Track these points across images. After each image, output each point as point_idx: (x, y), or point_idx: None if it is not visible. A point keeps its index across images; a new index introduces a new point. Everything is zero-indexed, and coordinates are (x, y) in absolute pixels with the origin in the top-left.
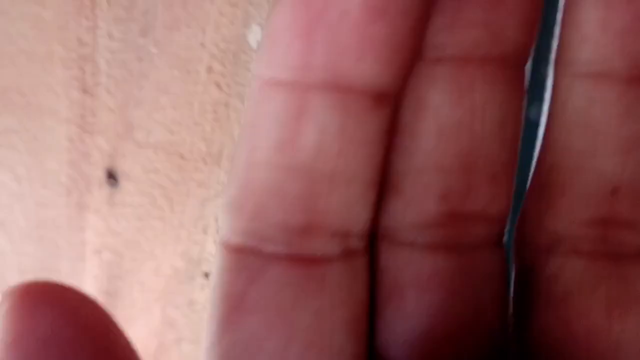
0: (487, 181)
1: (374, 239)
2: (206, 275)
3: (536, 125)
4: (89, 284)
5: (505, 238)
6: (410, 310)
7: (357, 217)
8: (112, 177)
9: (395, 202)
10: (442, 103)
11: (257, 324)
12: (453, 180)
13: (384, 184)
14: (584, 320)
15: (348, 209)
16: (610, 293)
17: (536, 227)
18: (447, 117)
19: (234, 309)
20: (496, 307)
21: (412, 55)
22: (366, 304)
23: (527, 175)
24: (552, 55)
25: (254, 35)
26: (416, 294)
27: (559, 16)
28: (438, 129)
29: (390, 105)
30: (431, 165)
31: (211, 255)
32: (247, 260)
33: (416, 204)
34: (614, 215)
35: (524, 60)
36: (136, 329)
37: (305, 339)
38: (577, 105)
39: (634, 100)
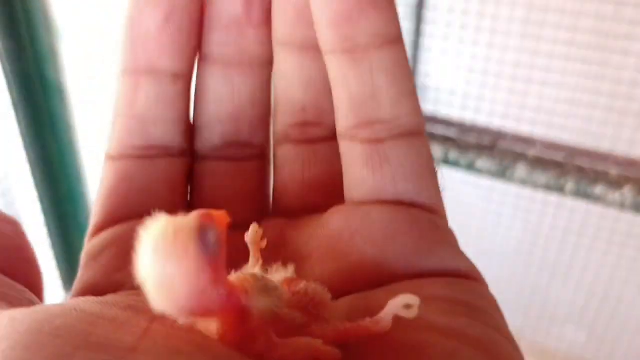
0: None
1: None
2: None
3: None
4: None
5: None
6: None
7: (172, 139)
8: None
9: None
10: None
11: None
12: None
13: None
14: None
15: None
16: (304, 159)
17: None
18: None
19: None
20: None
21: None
22: (184, 182)
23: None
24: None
25: None
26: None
27: None
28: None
29: (185, 82)
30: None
31: None
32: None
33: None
34: (306, 120)
35: None
36: None
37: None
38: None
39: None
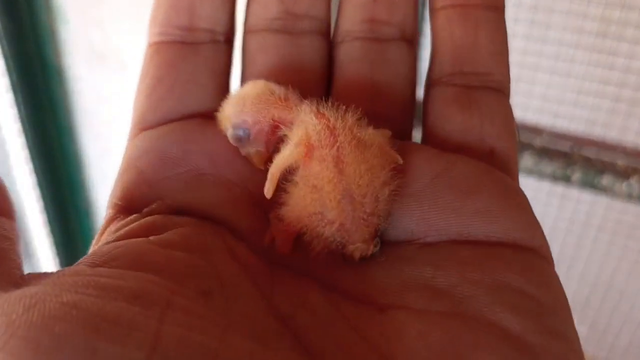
0: None
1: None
2: None
3: None
4: None
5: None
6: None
7: (220, 20)
8: None
9: (249, 7)
10: None
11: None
12: None
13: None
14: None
15: (214, 14)
16: (370, 56)
17: (340, 24)
18: None
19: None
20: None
21: None
22: (227, 71)
23: None
24: None
25: None
26: (261, 56)
27: None
28: None
29: None
30: None
31: None
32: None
33: (264, 7)
34: (375, 16)
35: None
36: None
37: (184, 82)
38: None
39: None
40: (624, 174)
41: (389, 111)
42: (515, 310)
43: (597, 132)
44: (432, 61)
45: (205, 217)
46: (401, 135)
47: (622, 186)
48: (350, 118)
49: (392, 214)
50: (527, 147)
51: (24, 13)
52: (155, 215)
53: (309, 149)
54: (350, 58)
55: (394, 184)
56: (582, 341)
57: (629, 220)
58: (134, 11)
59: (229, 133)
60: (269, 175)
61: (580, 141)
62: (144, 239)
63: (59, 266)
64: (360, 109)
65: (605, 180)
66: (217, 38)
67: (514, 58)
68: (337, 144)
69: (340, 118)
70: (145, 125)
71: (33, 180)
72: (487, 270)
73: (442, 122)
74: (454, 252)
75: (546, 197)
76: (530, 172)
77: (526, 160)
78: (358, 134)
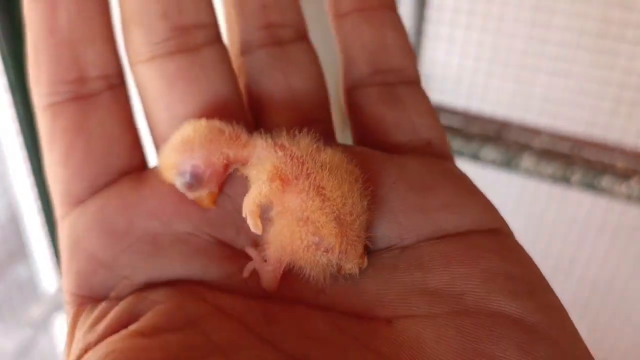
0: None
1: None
2: None
3: None
4: None
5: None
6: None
7: (108, 62)
8: None
9: (130, 36)
10: None
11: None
12: (169, 3)
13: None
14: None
15: (101, 58)
16: (279, 62)
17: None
18: None
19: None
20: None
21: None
22: (132, 115)
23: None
24: None
25: None
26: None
27: None
28: None
29: None
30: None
31: None
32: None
33: (148, 29)
34: (270, 20)
35: None
36: None
37: (98, 141)
38: None
39: None
40: (624, 176)
41: (312, 114)
42: (510, 295)
43: (597, 133)
44: (347, 66)
45: (175, 281)
46: (328, 136)
47: (622, 187)
48: (307, 142)
49: (371, 224)
50: (526, 148)
51: (22, 13)
52: (127, 298)
53: (285, 183)
54: (260, 68)
55: (368, 195)
56: None
57: (629, 222)
58: None
59: (179, 182)
60: (249, 214)
61: (580, 142)
62: (129, 334)
63: (57, 267)
64: (311, 130)
65: (605, 181)
66: (112, 82)
67: (514, 59)
68: (309, 171)
69: (299, 145)
70: (73, 199)
71: (30, 181)
72: (470, 261)
73: (375, 121)
74: (434, 250)
75: (546, 198)
76: (530, 173)
77: (525, 161)
78: (322, 157)
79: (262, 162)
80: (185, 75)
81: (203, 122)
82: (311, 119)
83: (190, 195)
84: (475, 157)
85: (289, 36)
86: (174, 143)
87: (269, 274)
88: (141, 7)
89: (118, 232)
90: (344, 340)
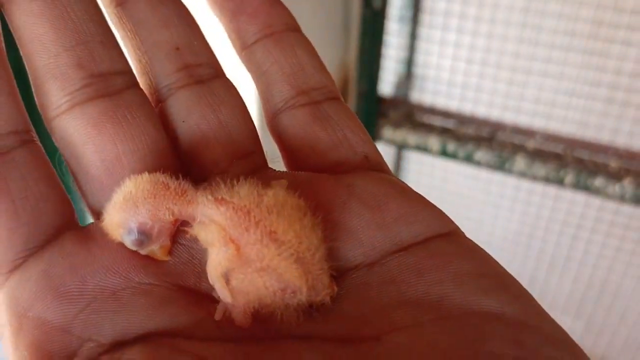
0: (103, 49)
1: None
2: None
3: None
4: None
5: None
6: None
7: (17, 118)
8: None
9: (45, 90)
10: None
11: None
12: (82, 54)
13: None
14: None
15: (10, 114)
16: (194, 97)
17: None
18: None
19: None
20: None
21: None
22: (49, 167)
23: None
24: None
25: None
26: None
27: None
28: None
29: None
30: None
31: None
32: None
33: (64, 80)
34: (186, 62)
35: None
36: None
37: (24, 200)
38: None
39: None
40: (617, 176)
41: (244, 147)
42: (485, 293)
43: (590, 134)
44: (267, 93)
45: (145, 335)
46: (262, 166)
47: (615, 188)
48: (248, 189)
49: (331, 249)
50: (519, 149)
51: None
52: None
53: (236, 244)
54: (186, 107)
55: (320, 224)
56: (578, 339)
57: (622, 221)
58: None
59: (127, 240)
60: (218, 287)
61: (572, 143)
62: None
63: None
64: (247, 176)
65: (598, 181)
66: (24, 138)
67: (506, 61)
68: (257, 219)
69: (239, 195)
70: (7, 267)
71: None
72: (439, 268)
73: (309, 143)
74: (401, 262)
75: (539, 198)
76: (524, 174)
77: (519, 162)
78: (266, 201)
79: (208, 221)
80: (112, 116)
81: (145, 176)
82: (244, 151)
83: (142, 251)
84: (469, 159)
85: (208, 74)
86: (116, 201)
87: (239, 310)
88: (53, 61)
89: (71, 293)
90: None
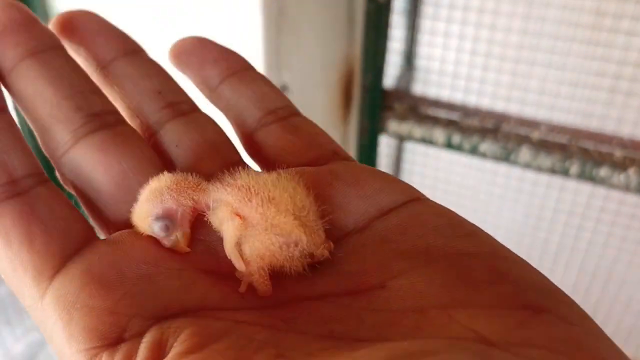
0: (94, 95)
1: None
2: None
3: None
4: None
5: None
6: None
7: (31, 164)
8: None
9: (50, 134)
10: None
11: None
12: (79, 100)
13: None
14: None
15: (24, 161)
16: (181, 125)
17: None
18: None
19: None
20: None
21: None
22: (67, 199)
23: None
24: None
25: None
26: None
27: None
28: None
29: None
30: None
31: None
32: None
33: (66, 122)
34: (168, 100)
35: None
36: None
37: (53, 226)
38: None
39: None
40: (622, 165)
41: (231, 158)
42: (459, 238)
43: (594, 124)
44: (239, 119)
45: (183, 311)
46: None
47: (620, 177)
48: (246, 174)
49: (324, 216)
50: (524, 140)
51: None
52: (150, 332)
53: (240, 217)
54: (177, 134)
55: (312, 193)
56: None
57: (627, 211)
58: (132, 14)
59: (156, 227)
60: (232, 257)
61: (577, 133)
62: (176, 358)
63: None
64: (245, 167)
65: (603, 171)
66: (40, 179)
67: (510, 53)
68: (257, 191)
69: (242, 178)
70: (48, 275)
71: None
72: (419, 224)
73: (284, 149)
74: (387, 223)
75: (544, 189)
76: (529, 165)
77: (524, 154)
78: (262, 178)
79: (219, 205)
80: (113, 142)
81: (166, 173)
82: (231, 161)
83: (167, 241)
84: (474, 151)
85: (188, 108)
86: (143, 196)
87: (259, 281)
88: (55, 109)
89: (112, 282)
90: (354, 312)
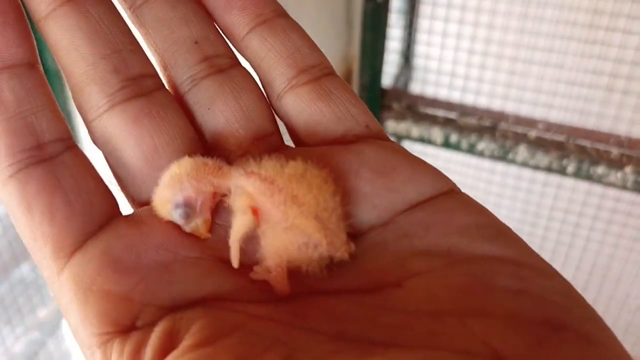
0: (133, 55)
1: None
2: None
3: None
4: None
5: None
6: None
7: (60, 129)
8: None
9: (85, 95)
10: None
11: None
12: (116, 61)
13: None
14: None
15: (53, 126)
16: (216, 86)
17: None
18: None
19: None
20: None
21: None
22: (94, 168)
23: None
24: None
25: None
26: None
27: None
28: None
29: (39, 68)
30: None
31: None
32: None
33: (102, 84)
34: (206, 54)
35: None
36: None
37: (76, 195)
38: None
39: None
40: (619, 164)
41: (264, 129)
42: (486, 240)
43: (591, 122)
44: (269, 76)
45: (197, 301)
46: (280, 146)
47: (617, 175)
48: (273, 163)
49: (348, 213)
50: (522, 139)
51: None
52: (162, 322)
53: (254, 212)
54: (210, 95)
55: (339, 189)
56: None
57: (624, 209)
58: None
59: (176, 214)
60: (232, 247)
61: (574, 132)
62: (187, 350)
63: None
64: (266, 144)
65: (600, 170)
66: (68, 144)
67: (507, 52)
68: (281, 187)
69: (266, 168)
70: (67, 251)
71: None
72: (445, 221)
73: (316, 119)
74: (411, 219)
75: (541, 187)
76: (526, 164)
77: (521, 152)
78: (288, 171)
79: (238, 192)
80: (148, 113)
81: (186, 158)
82: (263, 132)
83: (187, 227)
84: (472, 149)
85: (226, 64)
86: (164, 181)
87: (277, 279)
88: (92, 68)
89: (128, 268)
90: (369, 311)
